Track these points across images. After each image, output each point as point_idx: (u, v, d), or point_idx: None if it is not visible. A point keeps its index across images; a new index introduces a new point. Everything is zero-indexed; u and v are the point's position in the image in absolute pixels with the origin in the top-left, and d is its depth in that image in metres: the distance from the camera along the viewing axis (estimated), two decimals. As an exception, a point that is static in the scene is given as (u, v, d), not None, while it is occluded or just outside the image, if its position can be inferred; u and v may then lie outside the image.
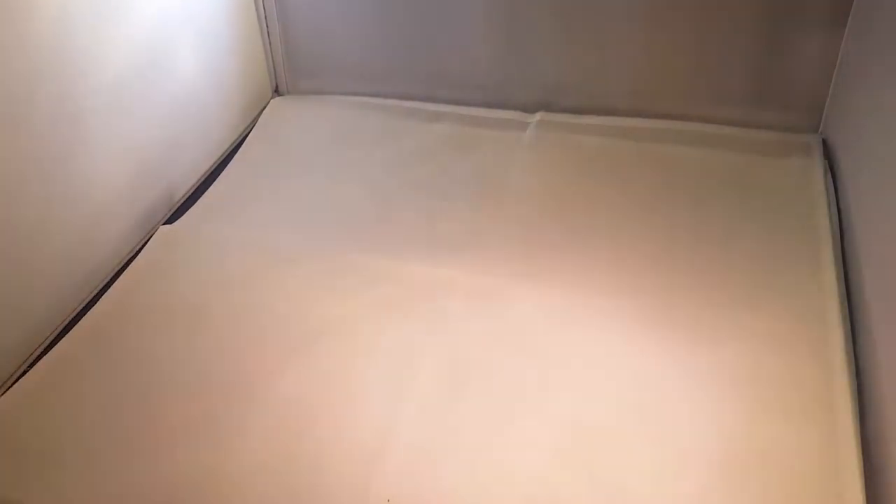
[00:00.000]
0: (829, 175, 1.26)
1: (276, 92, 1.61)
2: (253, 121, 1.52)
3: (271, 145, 1.45)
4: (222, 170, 1.39)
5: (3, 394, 0.98)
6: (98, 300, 1.11)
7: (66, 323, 1.09)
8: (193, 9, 1.31)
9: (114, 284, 1.14)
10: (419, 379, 0.96)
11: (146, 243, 1.21)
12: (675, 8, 1.32)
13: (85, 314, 1.09)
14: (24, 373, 1.01)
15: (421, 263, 1.14)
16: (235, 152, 1.44)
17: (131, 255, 1.21)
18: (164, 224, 1.26)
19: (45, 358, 1.02)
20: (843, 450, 0.85)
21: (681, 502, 0.81)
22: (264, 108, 1.55)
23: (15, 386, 0.99)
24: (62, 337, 1.06)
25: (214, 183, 1.36)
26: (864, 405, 0.90)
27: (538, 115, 1.45)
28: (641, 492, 0.83)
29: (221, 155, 1.44)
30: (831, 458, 0.84)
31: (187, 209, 1.30)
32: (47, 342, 1.06)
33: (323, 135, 1.46)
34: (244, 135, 1.49)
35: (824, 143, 1.33)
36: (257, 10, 1.50)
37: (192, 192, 1.36)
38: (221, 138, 1.45)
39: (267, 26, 1.53)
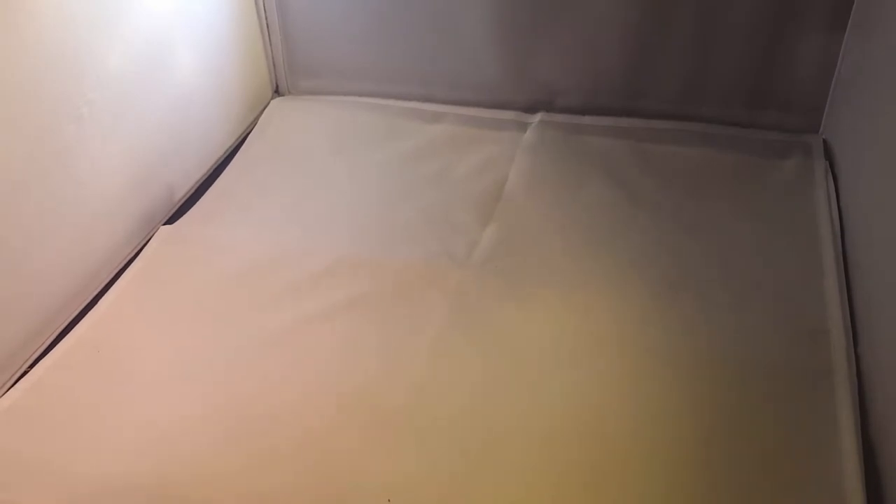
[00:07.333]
0: (830, 175, 1.26)
1: (277, 92, 1.61)
2: (253, 121, 1.52)
3: (271, 145, 1.45)
4: (222, 170, 1.39)
5: (3, 394, 0.98)
6: (98, 300, 1.11)
7: (66, 323, 1.09)
8: (193, 9, 1.31)
9: (114, 285, 1.14)
10: (415, 375, 0.97)
11: (146, 243, 1.21)
12: (675, 8, 1.32)
13: (85, 314, 1.09)
14: (25, 373, 1.01)
15: (420, 263, 1.14)
16: (236, 152, 1.44)
17: (131, 255, 1.20)
18: (164, 224, 1.26)
19: (45, 358, 1.02)
20: (844, 451, 0.85)
21: None
22: (264, 108, 1.55)
23: (15, 386, 0.99)
24: (62, 337, 1.06)
25: (215, 183, 1.36)
26: (866, 406, 0.90)
27: (538, 115, 1.45)
28: None
29: (221, 155, 1.44)
30: (833, 459, 0.84)
31: (187, 209, 1.30)
32: (47, 342, 1.06)
33: (323, 135, 1.46)
34: (244, 135, 1.49)
35: (825, 143, 1.34)
36: (257, 10, 1.50)
37: (192, 192, 1.36)
38: (221, 138, 1.45)
39: (267, 26, 1.53)
